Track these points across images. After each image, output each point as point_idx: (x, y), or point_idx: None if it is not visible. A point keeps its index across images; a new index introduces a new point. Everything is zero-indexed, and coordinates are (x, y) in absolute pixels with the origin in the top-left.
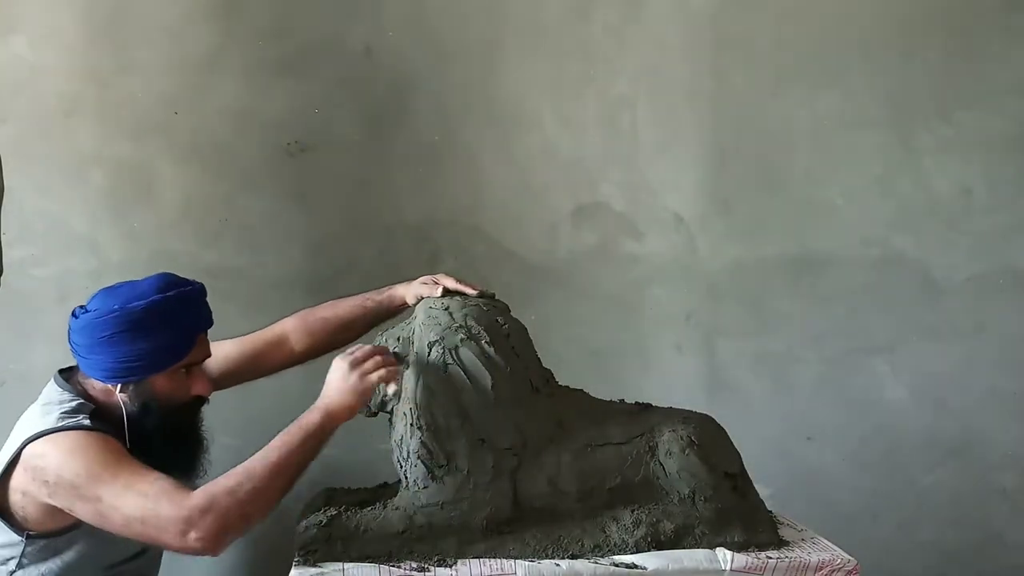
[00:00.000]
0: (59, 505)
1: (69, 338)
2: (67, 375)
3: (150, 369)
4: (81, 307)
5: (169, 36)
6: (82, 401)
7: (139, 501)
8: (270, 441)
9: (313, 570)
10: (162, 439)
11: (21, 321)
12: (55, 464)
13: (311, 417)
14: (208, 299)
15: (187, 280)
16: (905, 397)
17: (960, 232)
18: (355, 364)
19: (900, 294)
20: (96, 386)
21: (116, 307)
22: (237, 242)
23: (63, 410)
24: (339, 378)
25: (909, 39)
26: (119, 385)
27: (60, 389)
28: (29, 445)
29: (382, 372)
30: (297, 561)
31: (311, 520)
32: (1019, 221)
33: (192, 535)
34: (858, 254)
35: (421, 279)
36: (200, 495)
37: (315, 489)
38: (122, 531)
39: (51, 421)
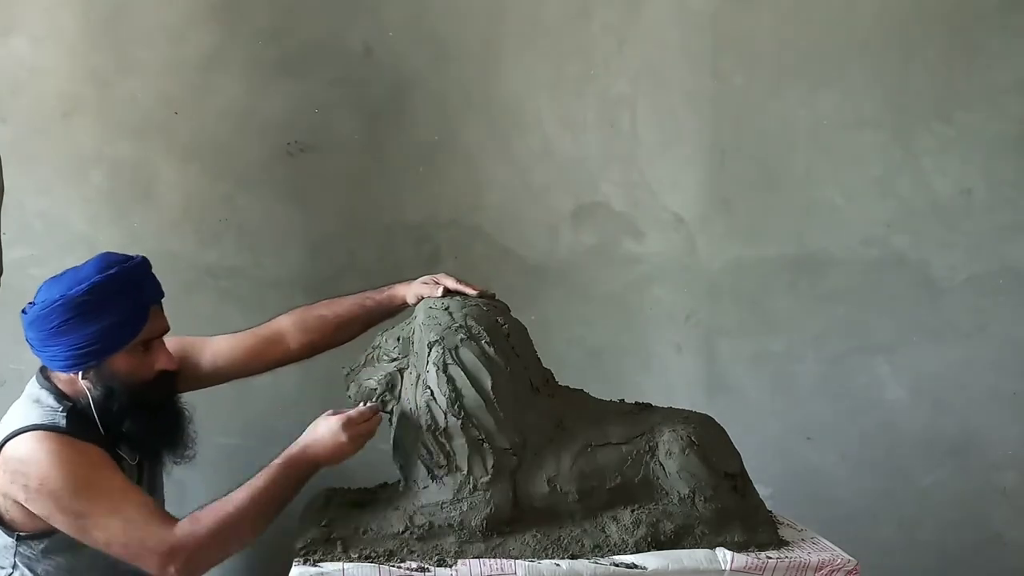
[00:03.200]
0: (35, 511)
1: (25, 336)
2: (46, 372)
3: (106, 350)
4: (30, 303)
5: (169, 36)
6: (57, 397)
7: (123, 526)
8: (252, 478)
9: (313, 570)
10: (134, 418)
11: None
12: (38, 471)
13: (296, 459)
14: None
15: (128, 256)
16: (905, 397)
17: (960, 232)
18: (349, 425)
19: (900, 294)
20: (61, 378)
21: (59, 296)
22: (237, 242)
23: (41, 407)
24: (330, 434)
25: (909, 39)
26: (79, 373)
27: (39, 386)
28: (8, 444)
29: (370, 434)
30: (297, 561)
31: (311, 520)
32: (1019, 221)
33: (172, 568)
34: (858, 254)
35: (421, 279)
36: (184, 530)
37: (315, 489)
38: (100, 548)
39: (30, 418)
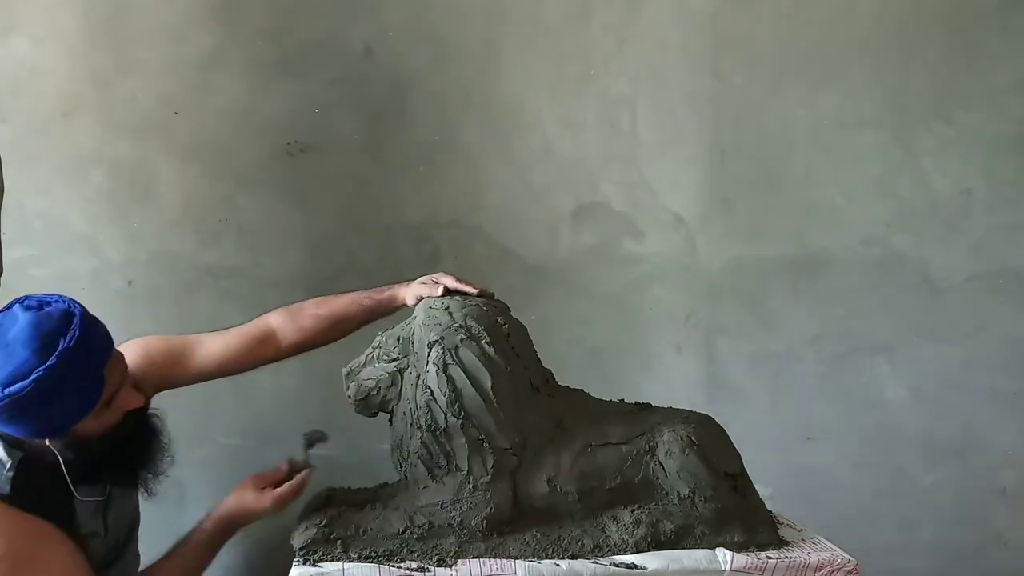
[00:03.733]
0: None
1: None
2: None
3: (66, 426)
4: None
5: (169, 36)
6: (8, 446)
7: None
8: (178, 546)
9: (313, 570)
10: (109, 456)
11: None
12: None
13: (222, 525)
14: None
15: (64, 324)
16: (905, 397)
17: (960, 232)
18: (279, 502)
19: (900, 294)
20: None
21: (1, 395)
22: (237, 242)
23: None
24: (252, 500)
25: (909, 39)
26: (50, 441)
27: None
28: None
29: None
30: (297, 561)
31: (311, 520)
32: (1019, 221)
33: None
34: (858, 254)
35: (421, 279)
36: None
37: (315, 489)
38: None
39: None
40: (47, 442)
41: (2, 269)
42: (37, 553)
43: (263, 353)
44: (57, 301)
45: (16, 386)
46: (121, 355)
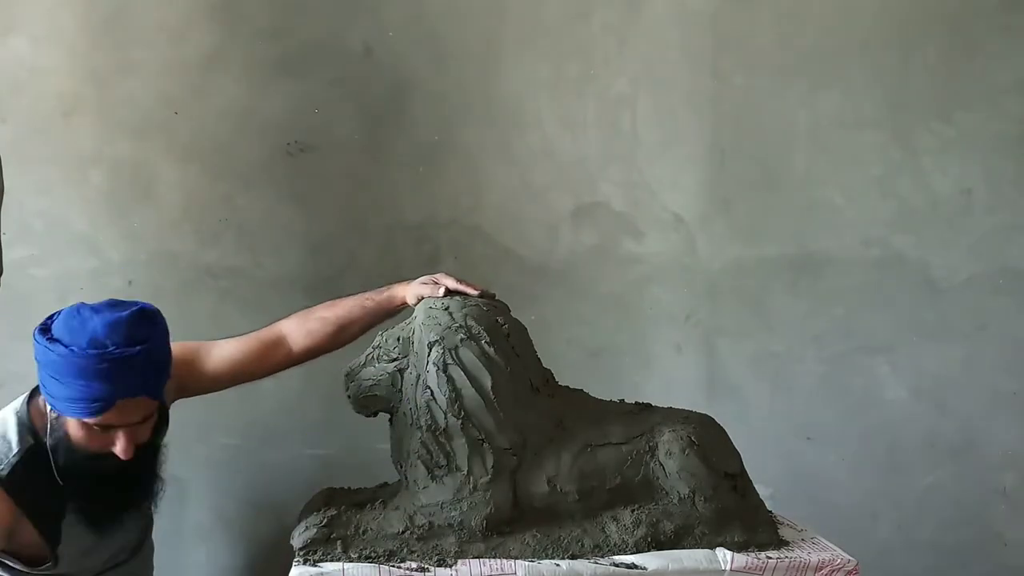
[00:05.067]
0: None
1: None
2: (36, 391)
3: (58, 409)
4: (51, 316)
5: (169, 36)
6: (24, 431)
7: None
8: None
9: (313, 570)
10: (78, 477)
11: (21, 321)
12: None
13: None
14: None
15: (126, 340)
16: (905, 397)
17: (960, 232)
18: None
19: (900, 294)
20: (41, 404)
21: (45, 340)
22: (237, 242)
23: (5, 442)
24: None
25: (909, 39)
26: (50, 409)
27: (20, 405)
28: None
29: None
30: (297, 561)
31: (311, 520)
32: (1019, 221)
33: None
34: (858, 254)
35: (421, 279)
36: None
37: (315, 489)
38: None
39: None
40: (49, 413)
41: (2, 269)
42: (9, 540)
43: (276, 357)
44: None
45: (54, 348)
46: (137, 409)
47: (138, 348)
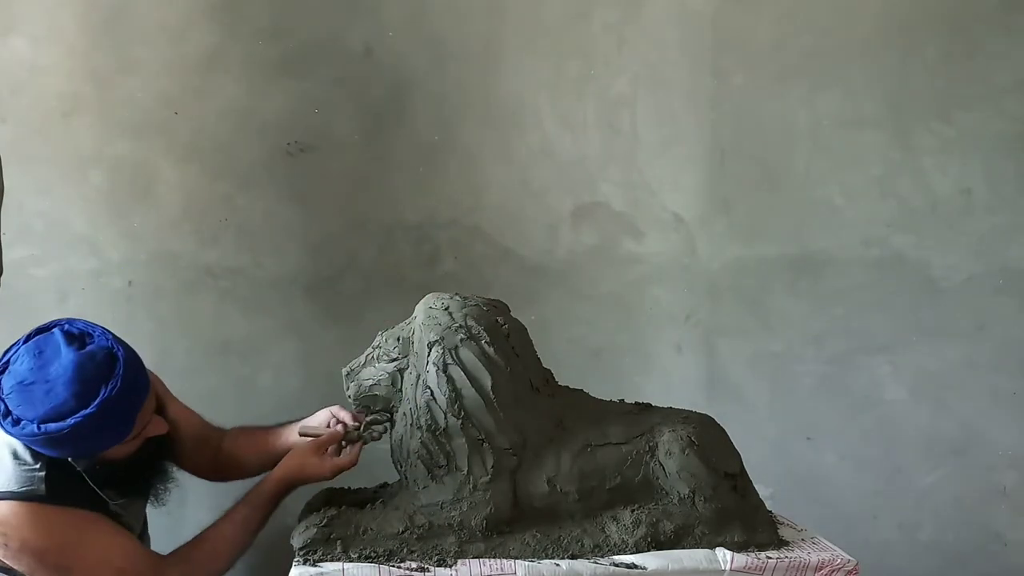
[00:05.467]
0: (16, 567)
1: None
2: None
3: (94, 455)
4: (7, 408)
5: (169, 36)
6: (30, 451)
7: (115, 573)
8: (234, 509)
9: (313, 570)
10: (126, 468)
11: (21, 321)
12: (18, 535)
13: (272, 488)
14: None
15: (106, 364)
16: (905, 397)
17: (960, 232)
18: (336, 470)
19: (900, 294)
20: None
21: (36, 429)
22: (237, 242)
23: (17, 464)
24: (313, 466)
25: (909, 39)
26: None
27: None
28: None
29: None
30: (297, 561)
31: (311, 520)
32: (1019, 221)
33: None
34: (858, 254)
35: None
36: (176, 570)
37: (315, 489)
38: None
39: (6, 479)
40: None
41: (2, 269)
42: (79, 538)
43: (205, 442)
44: (100, 337)
45: (54, 425)
46: (153, 389)
47: (118, 381)
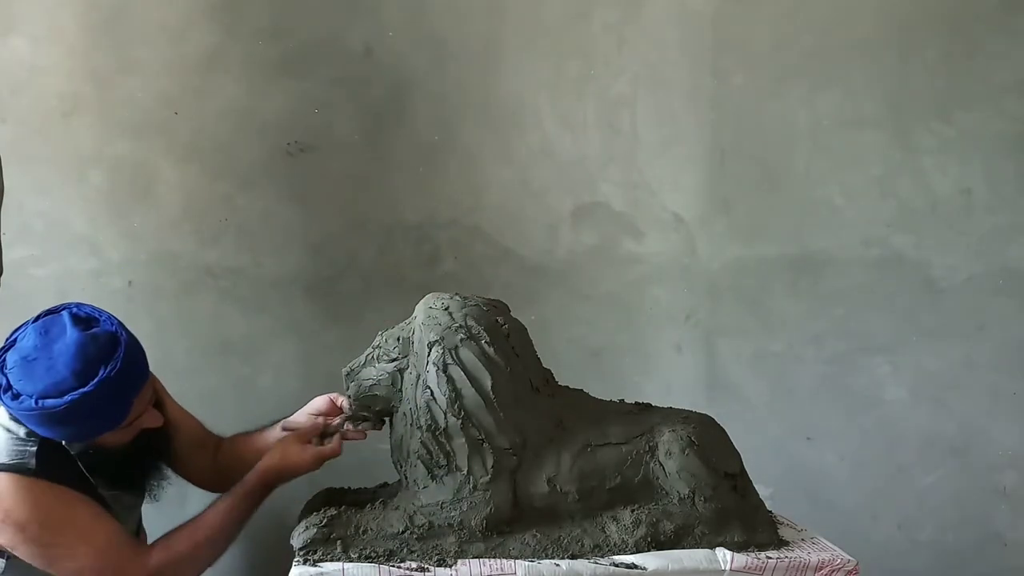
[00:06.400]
0: (0, 542)
1: None
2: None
3: (88, 439)
4: (8, 382)
5: (169, 36)
6: (24, 428)
7: (95, 554)
8: (218, 500)
9: (313, 570)
10: (120, 460)
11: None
12: (2, 505)
13: (264, 478)
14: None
15: (108, 346)
16: (905, 397)
17: (960, 232)
18: (319, 459)
19: (900, 294)
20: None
21: (34, 404)
22: (237, 242)
23: (10, 438)
24: (295, 454)
25: (909, 39)
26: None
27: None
28: None
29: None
30: (297, 561)
31: (311, 520)
32: (1019, 221)
33: None
34: (858, 254)
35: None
36: (159, 556)
37: (315, 489)
38: None
39: (0, 449)
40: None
41: (2, 269)
42: (64, 515)
43: (203, 447)
44: (106, 321)
45: (51, 401)
46: (151, 379)
47: (119, 362)
